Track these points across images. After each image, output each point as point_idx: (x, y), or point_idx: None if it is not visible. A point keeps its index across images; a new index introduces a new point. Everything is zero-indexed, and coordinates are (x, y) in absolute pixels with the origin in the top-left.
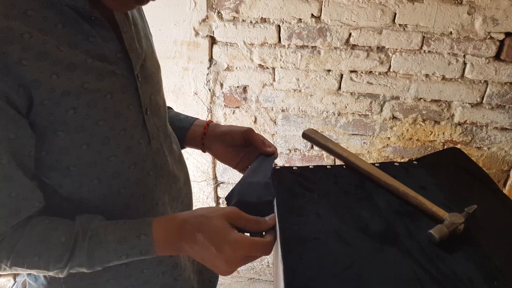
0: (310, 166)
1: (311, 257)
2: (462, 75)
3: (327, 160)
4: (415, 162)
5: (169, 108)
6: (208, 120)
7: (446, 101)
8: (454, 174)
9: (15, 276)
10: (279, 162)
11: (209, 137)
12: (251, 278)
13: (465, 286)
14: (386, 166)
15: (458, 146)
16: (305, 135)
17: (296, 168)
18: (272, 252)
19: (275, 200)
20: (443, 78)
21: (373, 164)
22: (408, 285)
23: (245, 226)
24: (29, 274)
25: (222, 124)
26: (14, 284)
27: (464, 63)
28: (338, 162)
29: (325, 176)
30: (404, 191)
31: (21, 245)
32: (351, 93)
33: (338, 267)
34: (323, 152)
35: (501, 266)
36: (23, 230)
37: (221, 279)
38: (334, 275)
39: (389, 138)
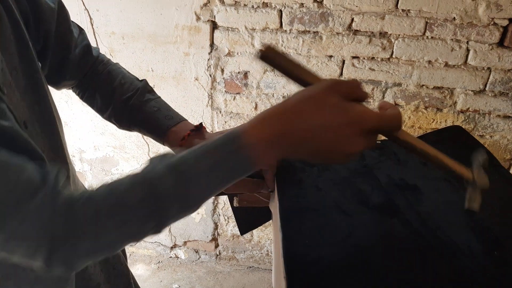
0: None
1: (310, 226)
2: (465, 62)
3: None
4: None
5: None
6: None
7: (449, 88)
8: (455, 150)
9: None
10: None
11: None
12: (250, 267)
13: (465, 255)
14: (386, 144)
15: None
16: (263, 57)
17: None
18: (273, 243)
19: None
20: (446, 64)
21: None
22: (408, 254)
23: (356, 96)
24: None
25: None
26: None
27: (467, 50)
28: None
29: None
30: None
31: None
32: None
33: (337, 237)
34: None
35: (501, 236)
36: None
37: (220, 267)
38: (333, 243)
39: None
